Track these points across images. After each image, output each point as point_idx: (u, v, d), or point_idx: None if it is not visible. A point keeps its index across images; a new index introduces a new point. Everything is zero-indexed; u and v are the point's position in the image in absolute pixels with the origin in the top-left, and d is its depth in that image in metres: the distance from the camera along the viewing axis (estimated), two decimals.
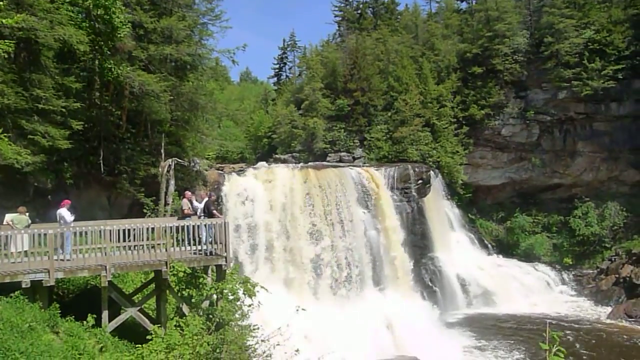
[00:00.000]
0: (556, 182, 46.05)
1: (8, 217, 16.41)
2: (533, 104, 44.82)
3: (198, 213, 18.07)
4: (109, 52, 23.23)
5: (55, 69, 21.29)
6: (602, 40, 42.19)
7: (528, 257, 43.95)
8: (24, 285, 13.77)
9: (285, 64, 74.60)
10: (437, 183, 42.06)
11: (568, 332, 31.79)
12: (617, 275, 39.18)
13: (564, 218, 44.70)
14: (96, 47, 22.73)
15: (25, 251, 14.88)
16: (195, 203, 18.72)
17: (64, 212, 16.31)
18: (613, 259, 41.31)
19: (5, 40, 16.04)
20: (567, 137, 44.83)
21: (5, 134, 18.06)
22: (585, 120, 44.06)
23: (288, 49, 73.98)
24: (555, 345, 2.97)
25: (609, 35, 42.12)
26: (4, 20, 12.73)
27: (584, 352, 29.29)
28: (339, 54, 51.30)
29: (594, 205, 43.90)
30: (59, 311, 13.71)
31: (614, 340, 31.24)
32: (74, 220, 16.52)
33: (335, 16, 62.79)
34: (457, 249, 41.65)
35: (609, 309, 36.24)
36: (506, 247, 44.94)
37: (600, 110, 43.18)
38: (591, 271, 42.24)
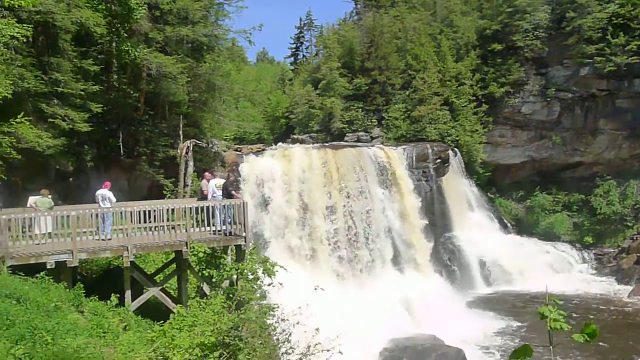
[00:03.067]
0: (577, 161, 45.33)
1: (31, 199, 16.75)
2: (554, 81, 43.91)
3: (210, 195, 17.96)
4: (125, 35, 23.29)
5: (73, 52, 21.45)
6: (627, 14, 40.92)
7: (548, 236, 43.52)
8: (48, 266, 14.10)
9: (302, 43, 74.20)
10: (455, 162, 41.72)
11: (588, 310, 31.60)
12: (638, 254, 38.71)
13: (585, 197, 44.05)
14: (113, 29, 22.80)
15: (49, 233, 15.20)
16: (207, 186, 18.55)
17: (109, 193, 16.71)
18: (635, 238, 40.77)
19: (24, 25, 16.16)
20: (589, 115, 43.94)
21: (26, 118, 18.32)
22: (608, 97, 43.08)
23: (305, 28, 73.50)
24: (554, 311, 2.96)
25: (633, 9, 40.83)
26: (22, 2, 12.79)
27: (605, 330, 29.13)
28: (356, 33, 50.69)
29: (616, 184, 43.18)
30: (83, 291, 14.02)
31: (635, 319, 30.99)
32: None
33: None
34: (476, 228, 41.41)
35: (630, 288, 35.88)
36: (526, 226, 44.56)
37: (623, 86, 42.14)
38: (612, 250, 41.75)
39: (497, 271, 38.36)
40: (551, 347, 3.04)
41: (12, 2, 12.48)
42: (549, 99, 43.95)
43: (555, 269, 39.74)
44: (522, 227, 44.56)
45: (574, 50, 42.16)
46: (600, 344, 26.31)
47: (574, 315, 29.70)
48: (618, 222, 42.60)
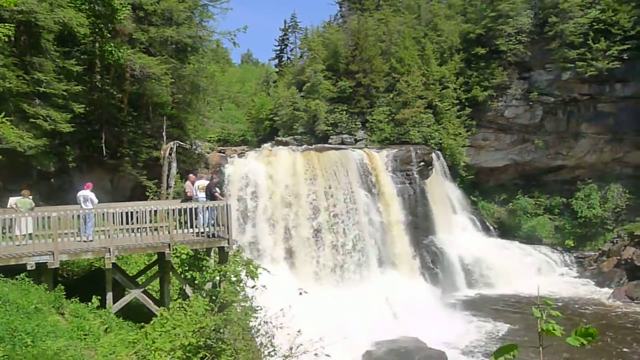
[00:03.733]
0: (559, 164, 45.94)
1: (12, 200, 16.58)
2: (537, 85, 44.48)
3: (193, 197, 18.04)
4: (109, 35, 23.14)
5: (55, 52, 21.25)
6: (608, 20, 41.61)
7: (530, 239, 44.02)
8: (29, 268, 13.95)
9: (286, 45, 74.25)
10: (439, 165, 42.03)
11: (569, 313, 32.01)
12: (618, 257, 39.28)
13: (567, 200, 44.65)
14: (96, 29, 22.63)
15: (30, 234, 15.04)
16: (190, 188, 18.57)
17: (90, 194, 16.55)
18: (615, 241, 41.38)
19: (6, 24, 16.00)
20: (571, 119, 44.57)
21: (7, 118, 18.12)
22: (590, 101, 43.75)
23: (289, 30, 73.57)
24: (546, 312, 3.01)
25: (614, 14, 41.55)
26: (3, 3, 12.67)
27: None
28: (341, 35, 50.91)
29: (597, 187, 43.79)
30: (64, 293, 13.90)
31: (615, 321, 31.46)
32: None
33: None
34: (459, 230, 41.76)
35: (611, 291, 36.39)
36: (508, 229, 45.01)
37: (605, 91, 42.84)
38: (593, 253, 42.31)
39: (479, 274, 38.67)
40: (541, 348, 3.09)
41: None
42: (531, 103, 44.50)
43: (537, 272, 40.15)
44: (505, 230, 44.99)
45: (556, 55, 42.76)
46: (587, 347, 26.62)
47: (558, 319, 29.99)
48: (599, 225, 43.21)
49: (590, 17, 42.10)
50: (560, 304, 34.07)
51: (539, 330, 2.95)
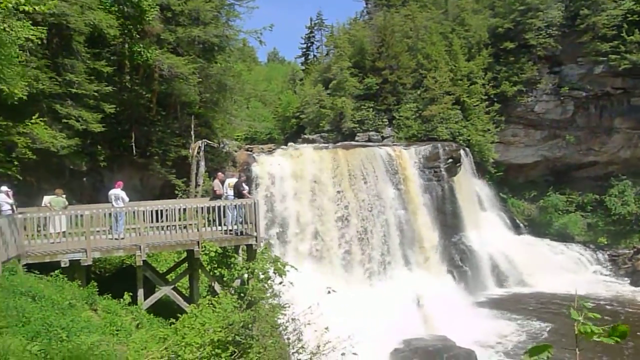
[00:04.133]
0: (591, 160, 44.88)
1: (46, 199, 16.97)
2: (567, 79, 43.54)
3: (223, 195, 18.21)
4: (138, 36, 23.52)
5: (86, 54, 21.66)
6: None
7: (561, 236, 43.15)
8: (62, 265, 14.28)
9: (312, 43, 74.21)
10: (467, 162, 41.51)
11: (603, 312, 31.29)
12: None
13: (599, 197, 43.60)
14: (125, 31, 23.02)
15: (64, 232, 15.39)
16: (219, 186, 18.72)
17: (121, 193, 16.89)
18: None
19: (38, 27, 16.35)
20: (603, 113, 43.50)
21: (40, 119, 18.57)
22: (623, 95, 42.61)
23: (315, 28, 73.49)
24: (583, 314, 2.92)
25: None
26: (37, 8, 12.97)
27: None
28: (367, 32, 50.63)
29: (631, 184, 42.68)
30: (97, 289, 14.18)
31: None
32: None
33: None
34: (488, 228, 41.19)
35: None
36: (538, 227, 44.20)
37: (639, 84, 41.66)
38: (627, 251, 41.25)
39: (509, 272, 38.11)
40: (577, 350, 3.00)
41: (28, 6, 12.64)
42: (562, 98, 43.58)
43: (569, 270, 39.34)
44: (535, 227, 44.20)
45: (588, 48, 41.77)
46: (623, 346, 26.03)
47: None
48: (633, 223, 42.10)
49: (623, 8, 41.01)
50: (592, 303, 33.17)
51: (576, 332, 2.86)
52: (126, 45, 23.80)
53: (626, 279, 38.46)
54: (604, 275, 39.83)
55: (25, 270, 13.47)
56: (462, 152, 40.58)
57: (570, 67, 43.64)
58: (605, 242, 42.41)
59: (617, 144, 43.61)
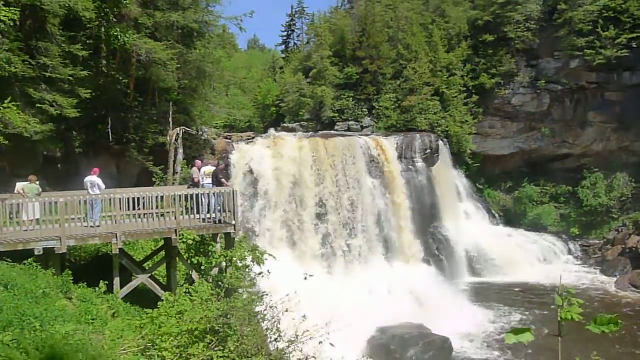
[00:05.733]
0: (565, 152, 45.68)
1: (19, 185, 16.63)
2: (544, 73, 44.09)
3: (200, 183, 18.08)
4: (115, 20, 23.05)
5: (61, 37, 21.19)
6: (618, 7, 41.01)
7: (535, 227, 43.95)
8: (36, 253, 14.04)
9: (293, 31, 73.69)
10: (445, 152, 41.89)
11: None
12: (623, 246, 39.26)
13: (573, 188, 44.46)
14: (102, 14, 22.53)
15: (37, 219, 15.11)
16: (197, 174, 18.58)
17: (98, 180, 16.61)
18: (620, 230, 41.34)
19: (11, 8, 15.93)
20: (578, 107, 44.22)
21: (13, 103, 18.12)
22: (597, 89, 43.36)
23: (296, 16, 73.00)
24: (566, 299, 2.97)
25: (624, 2, 40.91)
26: None
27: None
28: (348, 21, 50.50)
29: (603, 176, 43.57)
30: (72, 278, 13.99)
31: (619, 310, 31.44)
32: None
33: None
34: (464, 218, 41.76)
35: (615, 279, 36.44)
36: (513, 217, 44.95)
37: (613, 79, 42.39)
38: (598, 242, 42.26)
39: (485, 261, 38.71)
40: (559, 337, 3.05)
41: None
42: (539, 91, 44.16)
43: (542, 260, 40.17)
44: (510, 218, 44.95)
45: (565, 43, 42.32)
46: (605, 335, 26.61)
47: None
48: (604, 214, 43.09)
49: (600, 4, 41.55)
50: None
51: (559, 319, 2.92)
52: (103, 29, 23.29)
53: (597, 268, 39.40)
54: (576, 265, 40.75)
55: None
56: (440, 142, 40.91)
57: (547, 60, 44.19)
58: (577, 233, 43.35)
59: (590, 137, 44.42)
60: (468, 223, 41.32)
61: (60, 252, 14.57)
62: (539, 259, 40.21)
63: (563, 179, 45.22)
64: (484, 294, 34.45)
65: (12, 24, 17.82)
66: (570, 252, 42.25)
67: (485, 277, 37.94)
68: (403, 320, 28.39)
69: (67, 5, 19.97)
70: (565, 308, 2.95)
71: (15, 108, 18.23)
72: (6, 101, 17.91)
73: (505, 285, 36.42)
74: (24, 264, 13.60)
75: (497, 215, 44.81)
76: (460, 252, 38.35)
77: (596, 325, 2.88)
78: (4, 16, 14.55)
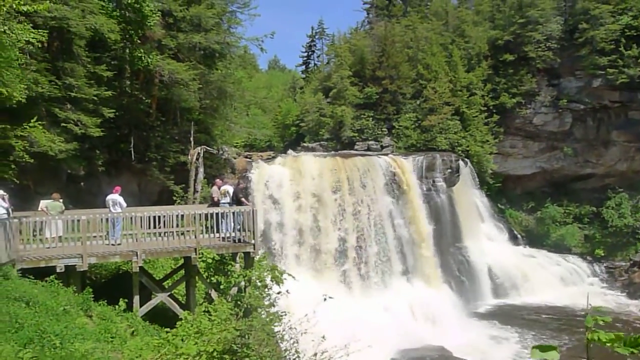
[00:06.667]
0: (588, 172, 44.97)
1: (42, 203, 16.85)
2: (566, 92, 43.71)
3: (220, 203, 18.12)
4: (139, 41, 23.53)
5: (87, 58, 21.65)
6: None
7: (558, 248, 43.12)
8: (58, 270, 14.13)
9: (313, 52, 74.32)
10: (466, 172, 41.52)
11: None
12: None
13: (597, 209, 43.64)
14: (126, 35, 23.05)
15: (60, 237, 15.26)
16: (217, 193, 18.62)
17: (119, 198, 16.77)
18: None
19: (39, 30, 16.33)
20: (601, 126, 43.64)
21: (39, 122, 18.50)
22: (620, 108, 42.78)
23: (316, 37, 73.63)
24: (594, 322, 2.85)
25: None
26: (36, 7, 12.95)
27: None
28: (368, 42, 50.80)
29: (628, 196, 42.74)
30: (92, 295, 14.03)
31: None
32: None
33: (364, 3, 62.32)
34: (486, 239, 41.16)
35: None
36: (536, 238, 44.18)
37: (636, 98, 41.81)
38: (624, 263, 41.26)
39: (506, 283, 38.01)
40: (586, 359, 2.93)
41: (27, 7, 12.62)
42: (560, 110, 43.72)
43: (565, 282, 39.30)
44: (533, 238, 44.19)
45: (586, 62, 41.99)
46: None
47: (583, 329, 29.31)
48: (630, 235, 42.13)
49: (622, 23, 41.27)
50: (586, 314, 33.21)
51: (586, 339, 2.80)
52: (127, 50, 23.80)
53: (622, 291, 38.40)
54: (601, 288, 39.75)
55: (20, 275, 13.33)
56: (460, 162, 40.60)
57: (568, 79, 43.84)
58: (602, 254, 42.40)
59: (614, 157, 43.71)
60: (489, 244, 40.71)
61: (82, 270, 14.66)
62: (562, 280, 39.34)
63: (587, 199, 44.45)
64: (505, 316, 33.75)
65: (39, 46, 18.27)
66: (595, 274, 41.32)
67: (507, 298, 37.22)
68: (423, 342, 27.91)
69: (92, 27, 20.47)
70: (594, 329, 2.83)
71: (41, 127, 18.60)
72: (32, 120, 18.28)
73: (528, 307, 35.65)
74: (46, 280, 13.69)
75: (519, 236, 44.11)
76: (481, 273, 37.73)
77: (625, 347, 2.76)
78: (32, 38, 14.90)
